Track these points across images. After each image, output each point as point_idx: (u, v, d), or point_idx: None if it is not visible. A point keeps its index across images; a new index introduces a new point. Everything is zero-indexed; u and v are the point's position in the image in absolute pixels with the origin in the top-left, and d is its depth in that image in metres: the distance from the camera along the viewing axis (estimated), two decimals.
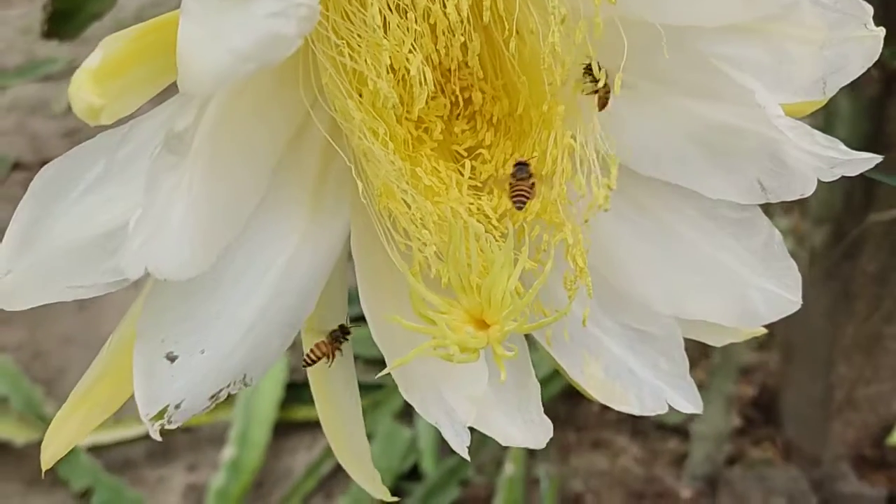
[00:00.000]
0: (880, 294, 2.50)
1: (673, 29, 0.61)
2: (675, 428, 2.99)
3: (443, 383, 0.63)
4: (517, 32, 0.60)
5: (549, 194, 0.65)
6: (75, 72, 0.46)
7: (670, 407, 0.70)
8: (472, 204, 0.65)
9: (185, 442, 3.15)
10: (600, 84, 0.64)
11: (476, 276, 0.56)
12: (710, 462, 2.81)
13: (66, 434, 0.63)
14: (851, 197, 2.32)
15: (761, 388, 2.96)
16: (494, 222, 0.64)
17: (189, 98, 0.50)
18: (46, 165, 0.52)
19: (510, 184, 0.66)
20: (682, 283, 0.70)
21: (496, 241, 0.59)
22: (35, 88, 5.15)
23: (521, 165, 0.66)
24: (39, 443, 2.41)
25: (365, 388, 2.83)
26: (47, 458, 0.62)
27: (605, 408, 2.90)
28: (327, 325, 0.69)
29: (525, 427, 0.66)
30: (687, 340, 0.73)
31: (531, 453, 2.94)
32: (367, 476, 0.70)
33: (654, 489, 2.91)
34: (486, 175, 0.67)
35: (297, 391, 3.11)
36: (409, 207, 0.62)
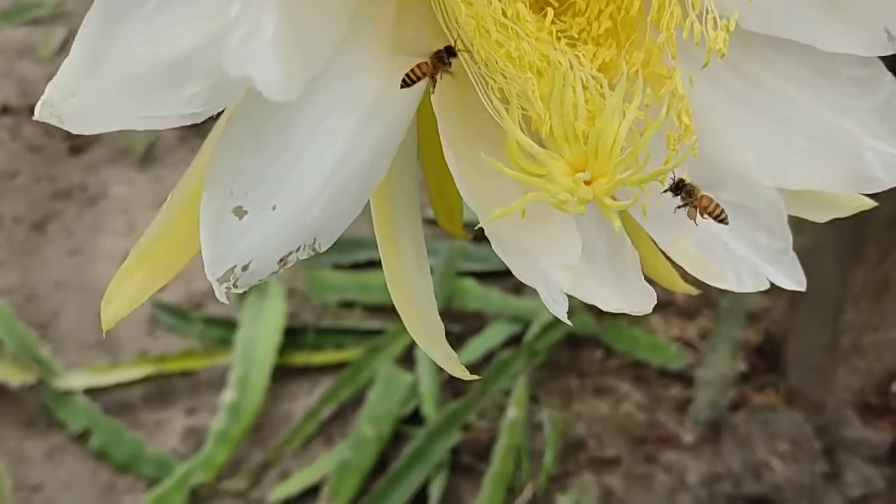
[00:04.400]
0: (893, 239, 2.48)
1: None
2: (678, 374, 2.99)
3: (536, 251, 0.59)
4: None
5: (655, 41, 0.60)
6: None
7: (771, 283, 0.66)
8: (567, 52, 0.59)
9: (184, 386, 3.15)
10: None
11: (582, 123, 0.51)
12: (713, 408, 2.81)
13: (126, 294, 0.58)
14: None
15: (765, 335, 2.95)
16: (593, 72, 0.59)
17: None
18: None
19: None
20: (787, 149, 0.66)
21: (599, 89, 0.54)
22: (22, 32, 5.02)
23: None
24: (35, 385, 2.40)
25: (365, 334, 2.82)
26: (108, 318, 0.57)
27: (608, 355, 2.85)
28: (397, 200, 0.64)
29: (623, 294, 0.61)
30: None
31: (534, 398, 2.92)
32: (442, 354, 0.66)
33: (656, 434, 2.91)
34: (580, 28, 0.62)
35: (295, 337, 3.10)
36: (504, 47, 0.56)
